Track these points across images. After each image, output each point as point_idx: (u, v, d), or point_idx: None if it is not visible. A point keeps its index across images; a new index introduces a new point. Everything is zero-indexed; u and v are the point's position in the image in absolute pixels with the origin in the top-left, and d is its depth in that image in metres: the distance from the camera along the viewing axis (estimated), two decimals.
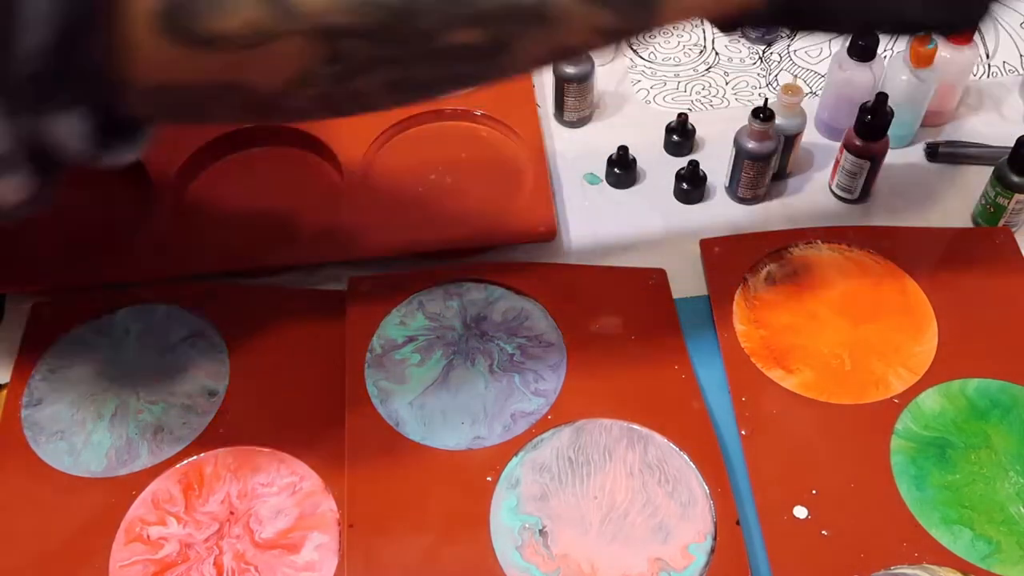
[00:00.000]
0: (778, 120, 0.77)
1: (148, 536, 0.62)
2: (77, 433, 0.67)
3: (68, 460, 0.65)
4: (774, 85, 0.91)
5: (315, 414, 0.67)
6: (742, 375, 0.68)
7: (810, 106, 0.85)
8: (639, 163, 0.82)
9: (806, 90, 0.89)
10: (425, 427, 0.66)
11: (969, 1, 0.56)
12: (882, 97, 0.74)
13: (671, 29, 0.48)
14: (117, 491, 0.64)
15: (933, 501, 0.62)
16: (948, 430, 0.65)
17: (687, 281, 0.74)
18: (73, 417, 0.67)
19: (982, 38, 0.94)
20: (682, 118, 0.84)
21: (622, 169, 0.81)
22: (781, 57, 0.94)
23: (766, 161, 0.77)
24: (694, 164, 0.80)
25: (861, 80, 0.80)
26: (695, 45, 0.95)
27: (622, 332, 0.70)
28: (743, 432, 0.65)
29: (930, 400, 0.66)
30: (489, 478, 0.63)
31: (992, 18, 0.56)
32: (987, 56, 0.93)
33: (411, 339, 0.70)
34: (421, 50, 0.44)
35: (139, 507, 0.63)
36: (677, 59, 0.94)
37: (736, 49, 0.94)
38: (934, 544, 0.60)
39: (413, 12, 0.43)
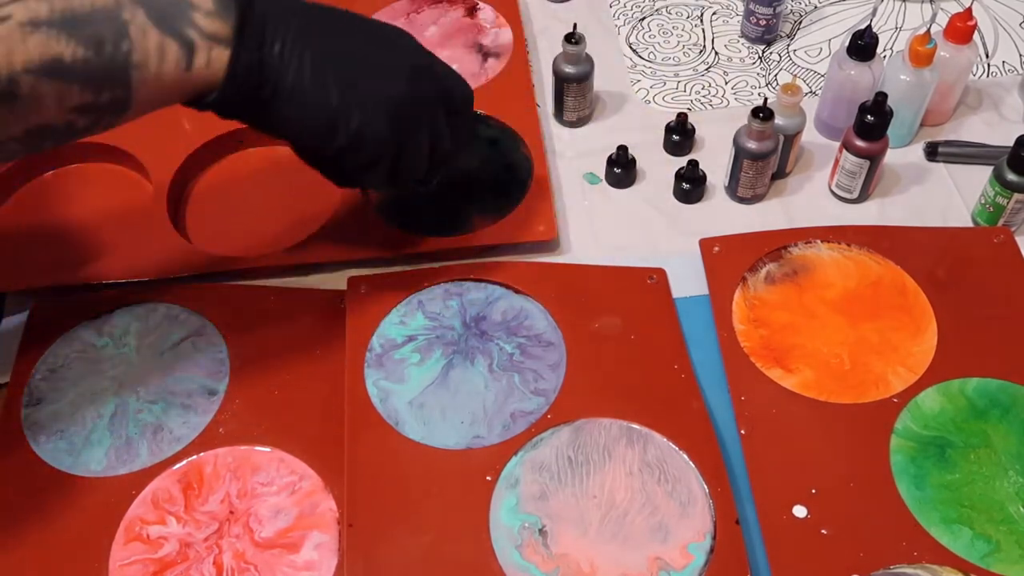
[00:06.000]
0: (778, 120, 0.77)
1: (148, 535, 0.62)
2: (77, 432, 0.67)
3: (68, 460, 0.65)
4: (774, 85, 0.91)
5: (315, 414, 0.67)
6: (741, 374, 0.68)
7: (810, 106, 0.85)
8: (639, 163, 0.82)
9: (806, 90, 0.89)
10: (425, 426, 0.66)
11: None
12: (881, 97, 0.74)
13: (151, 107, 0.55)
14: (117, 490, 0.64)
15: (932, 500, 0.62)
16: (947, 429, 0.65)
17: (687, 281, 0.74)
18: (73, 417, 0.68)
19: (981, 37, 0.94)
20: (682, 118, 0.84)
21: (622, 169, 0.81)
22: (781, 57, 0.94)
23: (765, 161, 0.77)
24: (694, 164, 0.80)
25: (861, 80, 0.80)
26: (695, 45, 0.95)
27: (622, 332, 0.70)
28: (742, 431, 0.65)
29: (929, 399, 0.66)
30: (489, 477, 0.63)
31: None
32: (987, 56, 0.93)
33: (411, 339, 0.70)
34: None
35: (139, 506, 0.63)
36: (677, 59, 0.94)
37: (736, 49, 0.94)
38: (933, 543, 0.60)
39: None
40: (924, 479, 0.63)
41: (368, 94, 0.58)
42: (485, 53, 0.91)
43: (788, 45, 0.95)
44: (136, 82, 0.51)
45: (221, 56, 0.53)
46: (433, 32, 0.94)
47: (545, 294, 0.73)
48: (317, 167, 0.63)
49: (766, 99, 0.76)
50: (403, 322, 0.71)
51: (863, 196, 0.80)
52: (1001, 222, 0.77)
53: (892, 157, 0.82)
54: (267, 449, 0.66)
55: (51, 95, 0.48)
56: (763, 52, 0.94)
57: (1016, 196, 0.74)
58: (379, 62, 0.60)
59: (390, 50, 0.61)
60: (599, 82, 0.87)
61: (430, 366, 0.69)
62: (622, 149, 0.81)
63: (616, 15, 0.98)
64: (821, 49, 0.95)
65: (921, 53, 0.77)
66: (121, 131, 0.81)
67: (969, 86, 0.88)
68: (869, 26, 0.79)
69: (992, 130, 0.86)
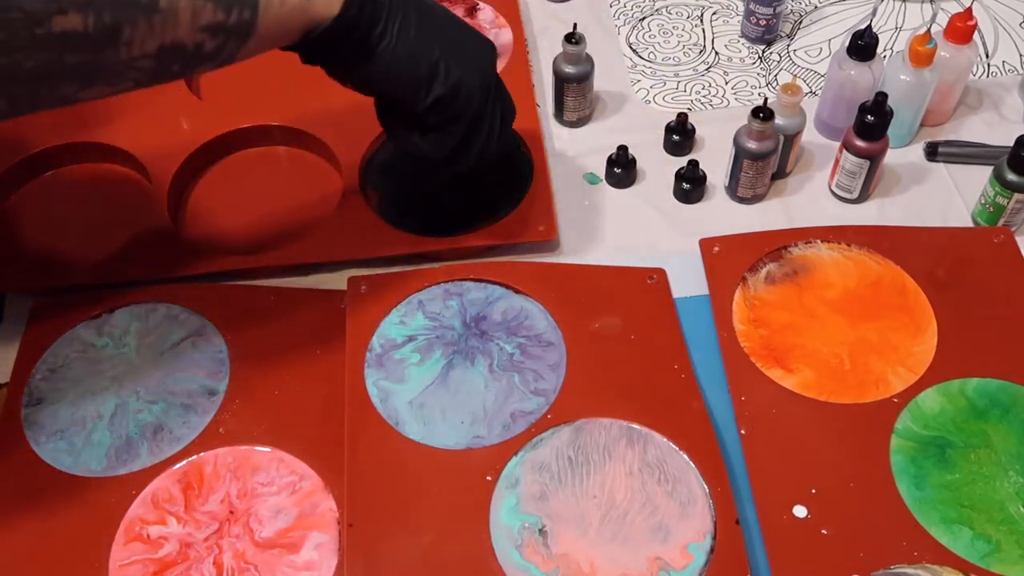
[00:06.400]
0: (778, 120, 0.77)
1: (148, 535, 0.62)
2: (77, 433, 0.67)
3: (68, 460, 0.65)
4: (774, 85, 0.91)
5: (315, 414, 0.67)
6: (742, 374, 0.68)
7: (810, 106, 0.85)
8: (639, 163, 0.82)
9: (806, 90, 0.89)
10: (425, 426, 0.66)
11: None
12: (882, 97, 0.74)
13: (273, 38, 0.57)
14: (117, 490, 0.64)
15: (933, 500, 0.62)
16: (947, 429, 0.65)
17: (687, 281, 0.74)
18: (73, 417, 0.68)
19: (981, 37, 0.94)
20: (682, 118, 0.84)
21: (622, 169, 0.81)
22: (781, 57, 0.94)
23: (766, 161, 0.77)
24: (694, 164, 0.80)
25: (861, 80, 0.80)
26: (695, 45, 0.95)
27: (622, 332, 0.70)
28: (743, 431, 0.65)
29: (929, 399, 0.66)
30: (489, 477, 0.63)
31: None
32: (987, 56, 0.93)
33: (411, 339, 0.70)
34: (26, 35, 0.45)
35: (139, 506, 0.63)
36: (677, 59, 0.94)
37: (736, 49, 0.94)
38: (933, 543, 0.60)
39: None
40: (924, 479, 0.63)
41: (464, 57, 0.62)
42: None
43: (788, 45, 0.95)
44: (263, 5, 0.53)
45: None
46: None
47: (545, 294, 0.73)
48: (391, 122, 0.66)
49: (766, 99, 0.76)
50: (403, 322, 0.71)
51: (863, 196, 0.80)
52: (1001, 222, 0.77)
53: (892, 157, 0.82)
54: (267, 449, 0.66)
55: (187, 10, 0.49)
56: (763, 52, 0.94)
57: (1016, 196, 0.74)
58: (470, 36, 0.64)
59: (473, 31, 0.65)
60: (599, 82, 0.87)
61: (430, 366, 0.69)
62: (622, 149, 0.81)
63: (616, 15, 0.98)
64: (821, 49, 0.95)
65: (921, 53, 0.77)
66: (121, 131, 0.83)
67: (969, 86, 0.88)
68: (869, 26, 0.79)
69: (992, 130, 0.86)
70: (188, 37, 0.51)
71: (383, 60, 0.59)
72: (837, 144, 0.79)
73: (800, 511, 0.61)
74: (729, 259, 0.74)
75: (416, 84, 0.61)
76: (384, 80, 0.61)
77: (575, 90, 0.84)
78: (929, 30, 0.77)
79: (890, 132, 0.76)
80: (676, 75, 0.92)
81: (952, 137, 0.85)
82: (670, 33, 0.96)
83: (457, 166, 0.67)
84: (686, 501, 0.62)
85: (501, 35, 0.93)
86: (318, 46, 0.58)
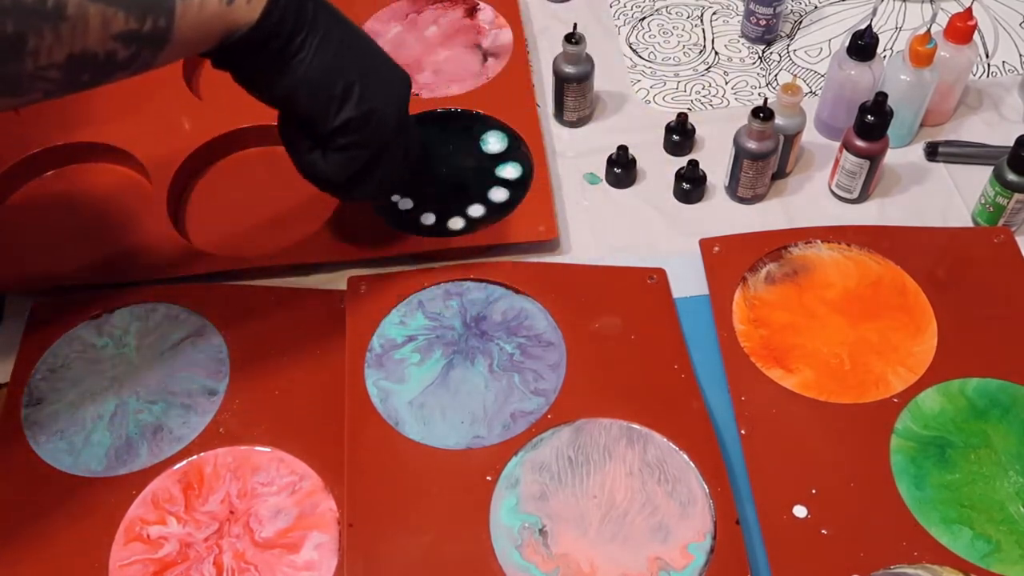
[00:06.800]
0: (778, 120, 0.77)
1: (148, 535, 0.62)
2: (77, 432, 0.67)
3: (68, 460, 0.65)
4: (774, 85, 0.91)
5: (315, 414, 0.67)
6: (742, 374, 0.68)
7: (810, 106, 0.85)
8: (639, 163, 0.82)
9: (806, 90, 0.89)
10: (425, 426, 0.66)
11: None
12: (882, 97, 0.74)
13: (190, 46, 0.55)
14: (117, 491, 0.64)
15: (933, 500, 0.62)
16: (947, 429, 0.65)
17: (687, 281, 0.74)
18: (73, 417, 0.68)
19: (981, 37, 0.94)
20: (682, 118, 0.84)
21: (622, 169, 0.81)
22: (781, 57, 0.94)
23: (766, 161, 0.77)
24: (694, 164, 0.80)
25: (861, 80, 0.80)
26: (695, 45, 0.95)
27: (622, 332, 0.70)
28: (743, 431, 0.65)
29: (929, 399, 0.66)
30: (489, 477, 0.63)
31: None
32: (987, 56, 0.93)
33: (411, 339, 0.70)
34: None
35: (139, 506, 0.63)
36: (677, 59, 0.94)
37: (736, 49, 0.94)
38: (933, 543, 0.60)
39: None
40: (924, 479, 0.63)
41: (382, 84, 0.61)
42: (485, 53, 0.91)
43: (788, 45, 0.95)
44: (179, 12, 0.51)
45: None
46: (433, 32, 0.94)
47: (545, 294, 0.73)
48: (293, 140, 0.64)
49: (766, 99, 0.76)
50: (403, 322, 0.71)
51: (863, 196, 0.80)
52: (1001, 222, 0.77)
53: (892, 157, 0.82)
54: (267, 449, 0.66)
55: (97, 18, 0.48)
56: (763, 52, 0.94)
57: (1016, 196, 0.74)
58: (390, 65, 0.64)
59: (393, 62, 0.64)
60: (599, 82, 0.87)
61: (430, 366, 0.69)
62: (622, 149, 0.81)
63: (616, 15, 0.98)
64: (821, 49, 0.95)
65: (921, 53, 0.77)
66: (121, 131, 0.83)
67: (969, 86, 0.88)
68: (869, 26, 0.79)
69: (992, 130, 0.86)
70: (99, 46, 0.49)
71: (296, 73, 0.57)
72: (837, 144, 0.79)
73: (800, 511, 0.61)
74: (729, 259, 0.74)
75: (327, 102, 0.59)
76: (295, 93, 0.58)
77: (575, 90, 0.84)
78: (929, 30, 0.77)
79: (890, 132, 0.76)
80: (676, 75, 0.92)
81: (952, 137, 0.85)
82: (670, 33, 0.96)
83: (354, 193, 0.66)
84: (686, 501, 0.62)
85: (501, 35, 0.93)
86: (233, 52, 0.56)
